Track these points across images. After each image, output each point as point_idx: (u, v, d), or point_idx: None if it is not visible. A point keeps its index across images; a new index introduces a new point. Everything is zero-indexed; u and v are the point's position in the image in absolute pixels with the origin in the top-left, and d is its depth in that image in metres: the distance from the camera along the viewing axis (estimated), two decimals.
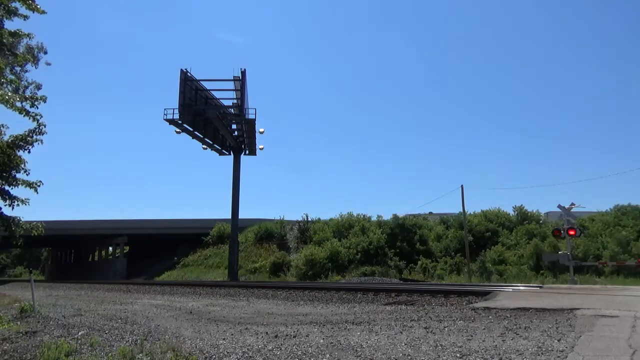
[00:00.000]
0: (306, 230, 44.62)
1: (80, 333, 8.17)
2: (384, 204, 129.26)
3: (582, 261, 24.10)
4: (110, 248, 60.43)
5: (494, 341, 6.01)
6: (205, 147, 41.28)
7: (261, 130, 41.19)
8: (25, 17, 11.10)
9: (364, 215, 44.41)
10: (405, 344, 6.04)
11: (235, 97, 39.46)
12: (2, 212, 11.94)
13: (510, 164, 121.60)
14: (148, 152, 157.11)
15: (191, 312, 11.59)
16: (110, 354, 6.11)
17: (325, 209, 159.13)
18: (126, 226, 54.77)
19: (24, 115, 11.01)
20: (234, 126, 41.55)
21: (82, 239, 60.98)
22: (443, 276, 32.06)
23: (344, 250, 36.72)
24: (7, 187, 11.60)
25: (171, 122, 36.21)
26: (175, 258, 52.57)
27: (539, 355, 5.14)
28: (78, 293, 23.84)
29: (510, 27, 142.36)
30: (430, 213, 46.74)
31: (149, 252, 61.01)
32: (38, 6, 10.77)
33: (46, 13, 11.01)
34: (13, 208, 11.61)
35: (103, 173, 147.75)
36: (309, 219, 46.68)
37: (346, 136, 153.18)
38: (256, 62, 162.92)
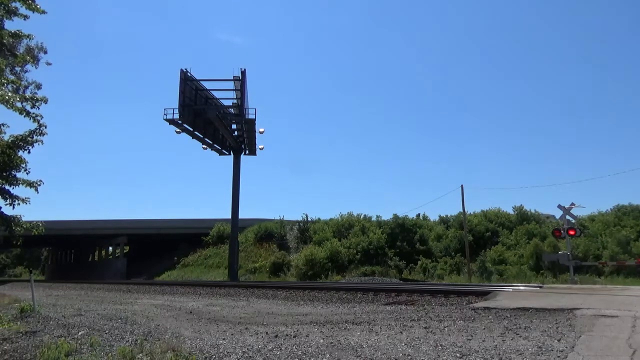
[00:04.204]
0: (306, 230, 44.62)
1: (80, 333, 8.17)
2: (384, 204, 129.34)
3: (582, 261, 24.08)
4: (110, 248, 60.50)
5: (494, 341, 6.01)
6: (205, 147, 41.30)
7: (261, 130, 41.23)
8: (25, 17, 11.13)
9: (364, 215, 44.46)
10: (405, 344, 6.04)
11: (235, 97, 39.47)
12: (2, 212, 11.97)
13: (510, 164, 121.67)
14: (148, 152, 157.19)
15: (191, 312, 11.59)
16: (110, 354, 6.10)
17: (325, 209, 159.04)
18: (126, 226, 54.77)
19: (24, 116, 11.03)
20: (234, 126, 41.54)
21: (82, 239, 60.98)
22: (443, 276, 32.05)
23: (344, 250, 36.72)
24: (7, 187, 11.62)
25: (171, 122, 36.22)
26: (175, 258, 52.58)
27: (539, 355, 5.14)
28: (78, 293, 23.84)
29: (510, 27, 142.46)
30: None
31: (149, 252, 61.04)
32: (38, 6, 10.79)
33: (46, 13, 11.05)
34: (14, 207, 11.67)
35: (103, 173, 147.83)
36: (309, 219, 46.70)
37: (346, 136, 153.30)
38: (256, 62, 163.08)
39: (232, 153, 41.88)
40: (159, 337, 7.42)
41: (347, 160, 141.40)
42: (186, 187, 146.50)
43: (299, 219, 47.43)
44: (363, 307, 11.56)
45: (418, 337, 6.49)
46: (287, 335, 7.14)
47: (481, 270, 30.94)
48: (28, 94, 16.99)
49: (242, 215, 41.78)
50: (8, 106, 10.60)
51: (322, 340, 6.54)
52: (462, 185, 33.32)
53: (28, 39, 11.95)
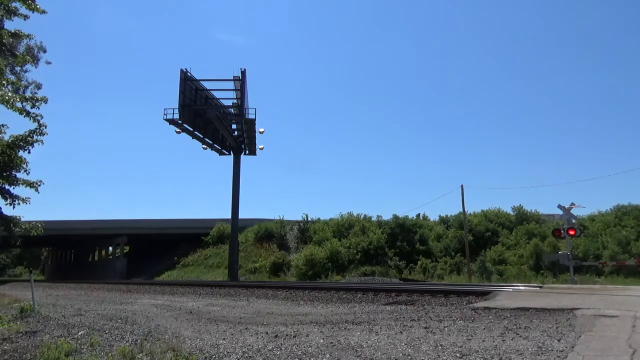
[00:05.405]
0: (306, 230, 44.62)
1: (80, 333, 8.17)
2: (384, 204, 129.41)
3: (582, 261, 24.07)
4: (110, 248, 60.46)
5: (494, 341, 6.01)
6: (205, 147, 41.30)
7: (261, 130, 41.25)
8: (26, 17, 11.12)
9: (364, 215, 44.45)
10: (405, 344, 6.04)
11: (235, 97, 39.47)
12: (1, 212, 11.97)
13: (510, 164, 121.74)
14: (148, 152, 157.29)
15: (191, 312, 11.59)
16: (110, 354, 6.10)
17: (325, 209, 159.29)
18: (126, 226, 54.76)
19: (24, 116, 11.03)
20: (234, 126, 41.56)
21: (82, 239, 60.97)
22: (443, 276, 32.06)
23: (344, 250, 36.71)
24: (7, 187, 11.62)
25: (171, 122, 36.23)
26: (175, 258, 52.58)
27: (539, 355, 5.14)
28: (78, 293, 23.83)
29: (510, 26, 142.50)
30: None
31: (149, 252, 61.03)
32: (38, 6, 10.79)
33: (46, 13, 11.04)
34: (14, 207, 11.67)
35: (103, 173, 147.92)
36: (309, 219, 46.70)
37: (346, 136, 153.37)
38: (256, 62, 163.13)
39: (232, 153, 41.89)
40: (159, 337, 7.42)
41: (347, 160, 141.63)
42: (186, 187, 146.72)
43: (299, 219, 47.44)
44: (363, 307, 11.55)
45: (418, 337, 6.49)
46: (287, 335, 7.14)
47: (481, 270, 30.93)
48: (28, 94, 17.00)
49: (242, 215, 41.81)
50: (8, 106, 10.60)
51: (322, 340, 6.54)
52: (462, 185, 33.39)
53: (28, 39, 11.95)
